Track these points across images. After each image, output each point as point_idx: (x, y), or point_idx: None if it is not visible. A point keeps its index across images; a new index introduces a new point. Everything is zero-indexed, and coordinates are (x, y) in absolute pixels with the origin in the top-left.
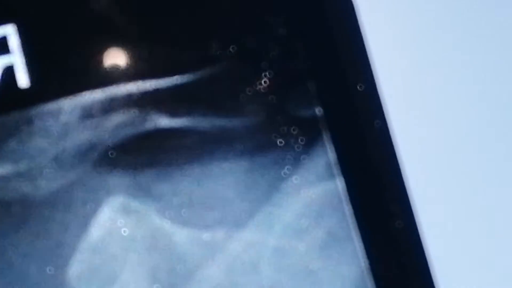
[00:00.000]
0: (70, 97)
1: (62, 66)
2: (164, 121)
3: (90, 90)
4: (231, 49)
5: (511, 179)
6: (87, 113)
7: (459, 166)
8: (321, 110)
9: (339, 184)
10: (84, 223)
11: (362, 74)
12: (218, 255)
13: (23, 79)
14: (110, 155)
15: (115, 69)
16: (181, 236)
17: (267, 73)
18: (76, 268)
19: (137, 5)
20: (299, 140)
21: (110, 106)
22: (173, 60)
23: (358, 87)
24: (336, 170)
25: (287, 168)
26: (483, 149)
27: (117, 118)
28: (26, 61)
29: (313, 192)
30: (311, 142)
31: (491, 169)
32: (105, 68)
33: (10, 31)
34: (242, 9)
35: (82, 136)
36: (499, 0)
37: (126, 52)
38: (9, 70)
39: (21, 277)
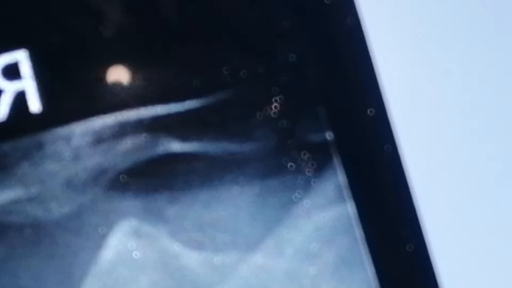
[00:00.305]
0: (82, 121)
1: (73, 91)
2: (175, 146)
3: (102, 115)
4: (242, 74)
5: None
6: (99, 138)
7: (470, 189)
8: (332, 134)
9: (350, 208)
10: (96, 247)
11: (372, 99)
12: (229, 278)
13: (34, 104)
14: (121, 179)
15: (126, 93)
16: (192, 259)
17: (277, 98)
18: None
19: (148, 31)
20: (310, 164)
21: (121, 130)
22: (184, 85)
23: (368, 112)
24: (346, 194)
25: (298, 192)
26: (494, 172)
27: (128, 142)
28: (38, 86)
29: (324, 216)
30: (321, 166)
31: (502, 192)
32: (117, 93)
33: (21, 57)
34: (253, 35)
35: (94, 160)
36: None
37: (137, 77)
38: (21, 95)
39: None
